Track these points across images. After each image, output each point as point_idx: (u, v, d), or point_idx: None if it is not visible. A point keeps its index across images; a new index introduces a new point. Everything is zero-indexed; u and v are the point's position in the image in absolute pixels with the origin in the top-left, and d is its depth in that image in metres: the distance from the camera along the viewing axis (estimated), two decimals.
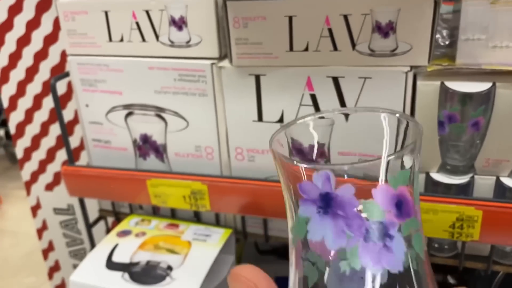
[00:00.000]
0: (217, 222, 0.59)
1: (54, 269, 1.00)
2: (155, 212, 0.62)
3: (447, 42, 0.47)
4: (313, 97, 0.48)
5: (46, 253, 0.98)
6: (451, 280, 0.87)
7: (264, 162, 0.53)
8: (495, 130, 0.43)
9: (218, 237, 0.55)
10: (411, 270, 0.21)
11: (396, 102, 0.45)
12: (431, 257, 0.51)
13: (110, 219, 0.70)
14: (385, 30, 0.44)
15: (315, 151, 0.38)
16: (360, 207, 0.21)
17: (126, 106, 0.56)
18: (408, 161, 0.22)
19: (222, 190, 0.53)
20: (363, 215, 0.21)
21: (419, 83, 0.44)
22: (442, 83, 0.43)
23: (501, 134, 0.44)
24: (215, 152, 0.55)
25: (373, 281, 0.20)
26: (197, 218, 0.59)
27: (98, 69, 0.56)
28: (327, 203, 0.22)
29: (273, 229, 0.57)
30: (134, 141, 0.58)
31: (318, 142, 0.49)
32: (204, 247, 0.53)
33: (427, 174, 0.48)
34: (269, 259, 0.75)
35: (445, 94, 0.43)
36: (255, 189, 0.51)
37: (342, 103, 0.47)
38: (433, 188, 0.48)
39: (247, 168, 0.54)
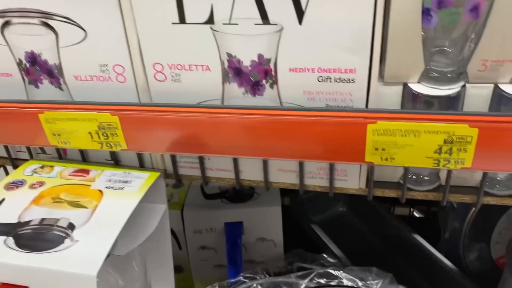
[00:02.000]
0: (141, 164, 0.46)
1: None
2: (61, 156, 0.48)
3: None
4: None
5: None
6: (417, 213, 0.80)
7: (194, 81, 0.39)
8: (499, 17, 0.32)
9: (140, 183, 0.42)
10: None
11: None
12: (408, 191, 0.41)
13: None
14: None
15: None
16: None
17: None
18: None
19: (140, 123, 0.40)
20: None
21: None
22: None
23: (505, 24, 0.32)
24: (127, 72, 0.41)
25: None
26: (115, 161, 0.46)
27: None
28: None
29: (212, 168, 0.45)
30: (19, 63, 0.43)
31: (262, 57, 0.37)
32: (120, 197, 0.40)
33: (405, 85, 0.36)
34: (216, 204, 0.64)
35: None
36: (185, 119, 0.38)
37: None
38: (413, 102, 0.36)
39: (171, 91, 0.40)
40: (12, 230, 0.37)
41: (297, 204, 0.73)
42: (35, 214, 0.38)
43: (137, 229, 0.44)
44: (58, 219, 0.38)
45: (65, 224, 0.37)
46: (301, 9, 0.34)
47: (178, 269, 0.70)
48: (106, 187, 0.42)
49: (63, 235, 0.36)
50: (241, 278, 0.62)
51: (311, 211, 0.74)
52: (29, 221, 0.38)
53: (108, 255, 0.41)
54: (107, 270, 0.42)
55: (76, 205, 0.39)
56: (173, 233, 0.66)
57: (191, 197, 0.65)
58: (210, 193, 0.65)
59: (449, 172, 0.38)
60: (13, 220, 0.38)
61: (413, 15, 0.33)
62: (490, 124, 0.33)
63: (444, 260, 0.61)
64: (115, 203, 0.40)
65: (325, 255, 0.67)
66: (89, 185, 0.42)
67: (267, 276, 0.62)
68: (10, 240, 0.36)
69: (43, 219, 0.38)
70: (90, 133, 0.41)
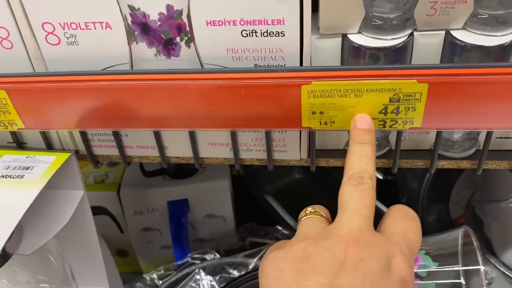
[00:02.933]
0: (49, 146, 0.39)
1: None
2: None
3: None
4: None
5: None
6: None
7: (94, 43, 0.33)
8: None
9: (44, 168, 0.36)
10: None
11: None
12: None
13: None
14: None
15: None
16: None
17: None
18: None
19: (34, 96, 0.33)
20: None
21: None
22: None
23: None
24: (12, 36, 0.33)
25: None
26: (17, 143, 0.39)
27: None
28: None
29: (132, 146, 0.39)
30: None
31: (172, 9, 0.30)
32: (18, 187, 0.34)
33: (344, 36, 0.31)
34: (157, 181, 0.58)
35: None
36: (89, 88, 0.32)
37: None
38: (354, 56, 0.31)
39: (69, 56, 0.33)
40: None
41: (250, 174, 0.67)
42: None
43: (50, 220, 0.38)
44: None
45: None
46: None
47: (122, 253, 0.65)
48: (4, 176, 0.35)
49: None
50: (188, 259, 0.57)
51: (265, 181, 0.68)
52: None
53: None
54: (12, 269, 0.36)
55: None
56: (111, 215, 0.60)
57: (129, 175, 0.59)
58: (149, 170, 0.59)
59: (399, 134, 0.34)
60: None
61: None
62: (441, 78, 0.28)
63: None
64: (11, 195, 0.33)
65: (279, 227, 0.63)
66: None
67: (217, 254, 0.58)
68: None
69: None
70: None
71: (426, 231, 0.61)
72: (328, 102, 0.30)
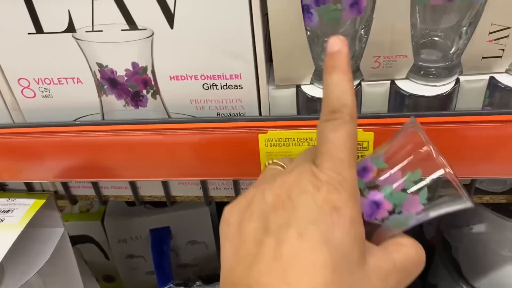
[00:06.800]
0: (29, 188, 0.41)
1: None
2: None
3: None
4: None
5: None
6: None
7: (67, 95, 0.35)
8: (385, 12, 0.29)
9: (23, 211, 0.38)
10: None
11: None
12: None
13: None
14: None
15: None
16: None
17: None
18: None
19: (12, 148, 0.35)
20: None
21: None
22: None
23: (393, 18, 0.29)
24: None
25: None
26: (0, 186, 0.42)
27: None
28: None
29: (108, 187, 0.41)
30: None
31: (137, 66, 0.32)
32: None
33: (298, 87, 0.33)
34: (140, 210, 0.60)
35: None
36: (63, 140, 0.34)
37: None
38: (308, 105, 0.33)
39: (44, 107, 0.36)
40: None
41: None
42: None
43: (31, 257, 0.40)
44: None
45: None
46: (170, 12, 0.30)
47: (109, 279, 0.67)
48: None
49: None
50: (171, 286, 0.59)
51: None
52: None
53: None
54: None
55: None
56: (96, 243, 0.62)
57: (112, 205, 0.61)
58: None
59: None
60: None
61: (292, 13, 0.29)
62: (386, 128, 0.30)
63: None
64: None
65: None
66: None
67: (199, 280, 0.60)
68: None
69: None
70: None
71: None
72: (283, 150, 0.32)
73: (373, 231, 0.24)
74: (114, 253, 0.61)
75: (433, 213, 0.24)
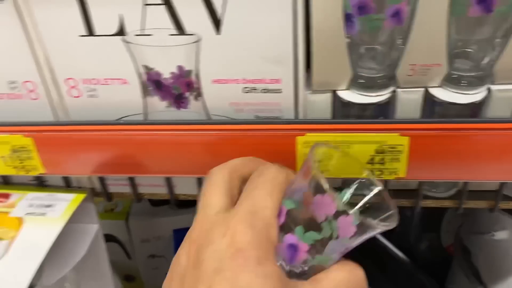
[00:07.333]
0: (68, 184, 0.43)
1: None
2: None
3: None
4: None
5: None
6: None
7: (112, 96, 0.36)
8: (423, 23, 0.30)
9: (64, 206, 0.39)
10: None
11: None
12: None
13: None
14: None
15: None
16: None
17: None
18: None
19: (57, 144, 0.37)
20: None
21: None
22: None
23: (430, 29, 0.31)
24: (39, 89, 0.37)
25: None
26: (39, 181, 0.43)
27: None
28: None
29: (144, 185, 0.42)
30: None
31: (182, 69, 0.34)
32: (42, 224, 0.38)
33: (334, 92, 0.35)
34: (164, 211, 0.62)
35: None
36: (106, 138, 0.36)
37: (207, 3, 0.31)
38: (344, 111, 0.35)
39: (89, 107, 0.37)
40: None
41: None
42: None
43: (68, 252, 0.42)
44: None
45: None
46: (217, 18, 0.31)
47: (129, 278, 0.68)
48: (27, 214, 0.39)
49: None
50: None
51: None
52: None
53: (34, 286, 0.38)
54: None
55: None
56: (120, 243, 0.63)
57: (137, 205, 0.62)
58: (157, 200, 0.63)
59: (385, 182, 0.37)
60: None
61: (334, 22, 0.30)
62: (421, 132, 0.32)
63: (396, 251, 0.62)
64: (35, 232, 0.37)
65: None
66: (7, 212, 0.39)
67: None
68: None
69: None
70: (3, 157, 0.38)
71: (419, 258, 0.64)
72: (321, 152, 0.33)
73: (304, 274, 0.24)
74: (136, 253, 0.63)
75: (356, 241, 0.23)
